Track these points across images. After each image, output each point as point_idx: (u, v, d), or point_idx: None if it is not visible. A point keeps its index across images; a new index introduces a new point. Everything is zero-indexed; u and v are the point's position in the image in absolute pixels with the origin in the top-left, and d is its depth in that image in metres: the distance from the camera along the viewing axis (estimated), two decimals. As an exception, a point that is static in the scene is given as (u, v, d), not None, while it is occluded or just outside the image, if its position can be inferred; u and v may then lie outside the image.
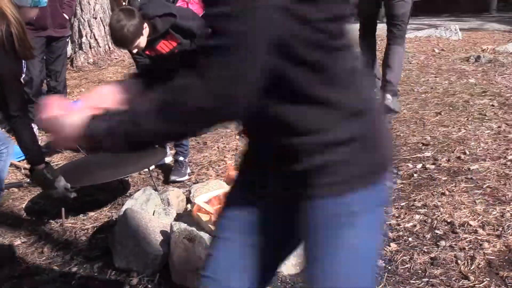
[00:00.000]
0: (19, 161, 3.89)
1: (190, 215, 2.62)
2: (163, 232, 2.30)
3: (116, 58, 7.54)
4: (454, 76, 5.96)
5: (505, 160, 3.35)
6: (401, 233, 2.54)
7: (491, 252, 2.32)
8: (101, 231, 2.74)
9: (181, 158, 3.47)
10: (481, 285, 2.10)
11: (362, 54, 4.38)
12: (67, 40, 4.73)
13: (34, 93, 4.23)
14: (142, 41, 2.92)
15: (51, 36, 4.44)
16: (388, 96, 4.57)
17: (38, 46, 4.38)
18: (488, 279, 2.13)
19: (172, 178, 3.41)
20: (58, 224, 2.92)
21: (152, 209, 2.58)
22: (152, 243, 2.26)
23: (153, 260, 2.25)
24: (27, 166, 3.61)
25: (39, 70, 4.33)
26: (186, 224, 2.29)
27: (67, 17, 4.53)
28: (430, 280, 2.14)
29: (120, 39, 2.83)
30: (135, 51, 3.01)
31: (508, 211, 2.67)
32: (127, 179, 3.45)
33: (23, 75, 2.42)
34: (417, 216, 2.70)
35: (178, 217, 2.63)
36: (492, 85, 5.39)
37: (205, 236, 2.13)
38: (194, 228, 2.19)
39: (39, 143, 2.72)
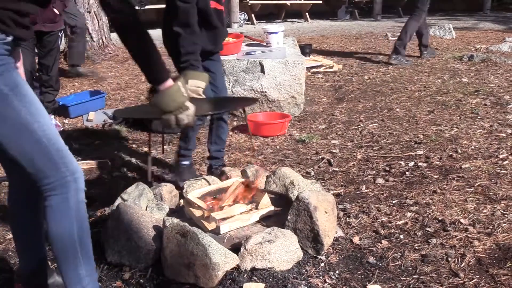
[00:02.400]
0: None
1: (182, 210, 2.62)
2: (155, 227, 2.30)
3: (110, 53, 7.51)
4: (447, 75, 5.99)
5: (496, 159, 3.38)
6: (392, 230, 2.56)
7: (481, 250, 2.34)
8: (93, 225, 2.72)
9: (186, 162, 3.34)
10: (471, 282, 2.12)
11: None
12: (59, 34, 4.70)
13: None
14: None
15: (40, 30, 4.41)
16: (393, 56, 6.76)
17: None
18: (478, 276, 2.15)
19: (174, 178, 3.26)
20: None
21: (145, 204, 2.58)
22: (145, 238, 2.26)
23: (145, 254, 2.25)
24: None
25: (30, 63, 4.31)
26: (178, 219, 2.30)
27: (57, 12, 4.50)
28: (421, 277, 2.16)
29: None
30: None
31: (498, 209, 2.70)
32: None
33: None
34: (408, 214, 2.71)
35: (171, 212, 2.64)
36: (485, 84, 5.43)
37: (198, 232, 2.13)
38: (186, 224, 2.19)
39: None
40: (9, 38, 1.52)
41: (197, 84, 2.68)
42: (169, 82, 1.93)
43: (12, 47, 1.57)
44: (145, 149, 3.68)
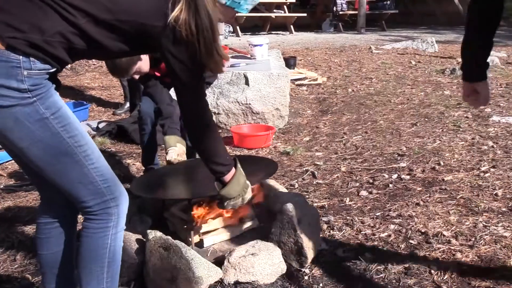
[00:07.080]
0: (-8, 167, 3.82)
1: (166, 223, 2.60)
2: (138, 240, 2.28)
3: (94, 64, 7.48)
4: (430, 88, 6.06)
5: (478, 172, 3.41)
6: (376, 242, 2.57)
7: (463, 262, 2.36)
8: (76, 238, 2.70)
9: None
10: (453, 294, 2.13)
11: None
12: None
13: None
14: (144, 65, 2.72)
15: None
16: None
17: None
18: (460, 289, 2.17)
19: None
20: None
21: (128, 217, 2.56)
22: (128, 251, 2.24)
23: (128, 268, 2.23)
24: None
25: None
26: (161, 233, 2.28)
27: None
28: (404, 289, 2.17)
29: (114, 70, 2.67)
30: (137, 76, 2.83)
31: (480, 221, 2.72)
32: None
33: None
34: (392, 226, 2.73)
35: (154, 226, 2.61)
36: (467, 97, 5.48)
37: (181, 245, 2.12)
38: (169, 237, 2.18)
39: None
40: (52, 70, 1.50)
41: (183, 148, 2.82)
42: (233, 169, 1.89)
43: (51, 75, 1.52)
44: (131, 161, 3.63)
